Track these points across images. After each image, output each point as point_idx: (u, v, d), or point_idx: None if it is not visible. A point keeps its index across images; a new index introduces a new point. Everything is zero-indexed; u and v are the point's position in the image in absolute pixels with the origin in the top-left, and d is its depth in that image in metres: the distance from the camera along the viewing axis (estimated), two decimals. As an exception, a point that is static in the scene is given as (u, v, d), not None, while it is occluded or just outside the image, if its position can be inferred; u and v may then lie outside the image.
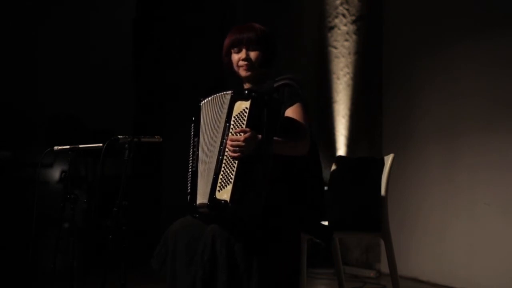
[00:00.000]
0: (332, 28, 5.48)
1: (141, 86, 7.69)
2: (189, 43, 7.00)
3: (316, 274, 4.72)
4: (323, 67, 5.49)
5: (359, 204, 3.04)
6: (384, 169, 2.95)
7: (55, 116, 7.60)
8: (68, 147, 2.85)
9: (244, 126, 2.36)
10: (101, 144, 2.71)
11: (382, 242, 3.22)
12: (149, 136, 2.72)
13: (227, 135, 2.40)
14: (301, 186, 2.58)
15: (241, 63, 2.66)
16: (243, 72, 2.67)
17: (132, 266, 2.75)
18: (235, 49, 2.67)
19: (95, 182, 6.91)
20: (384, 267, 4.74)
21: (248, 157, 2.35)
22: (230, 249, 2.36)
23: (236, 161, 2.35)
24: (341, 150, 5.27)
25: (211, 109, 2.53)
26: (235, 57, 2.68)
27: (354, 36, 5.30)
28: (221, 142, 2.41)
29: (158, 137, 2.73)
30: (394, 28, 5.01)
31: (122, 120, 7.53)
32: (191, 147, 2.59)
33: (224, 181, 2.36)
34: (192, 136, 2.60)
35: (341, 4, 5.42)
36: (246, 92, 2.41)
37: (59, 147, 2.87)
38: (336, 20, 5.45)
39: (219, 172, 2.38)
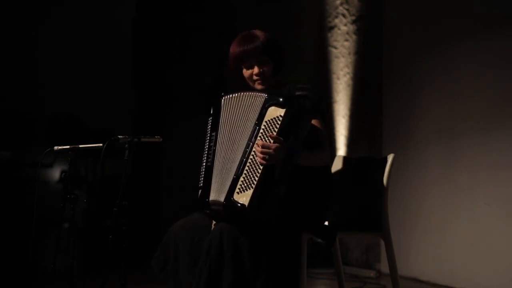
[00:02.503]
0: (332, 28, 5.48)
1: (141, 86, 7.69)
2: (189, 43, 7.00)
3: (316, 274, 4.72)
4: (323, 67, 5.49)
5: (359, 204, 3.04)
6: (384, 169, 2.95)
7: (55, 116, 7.60)
8: (68, 147, 2.85)
9: (275, 134, 2.35)
10: (101, 144, 2.71)
11: (382, 242, 3.22)
12: (149, 136, 2.72)
13: (256, 139, 2.38)
14: (307, 186, 2.57)
15: (255, 77, 2.63)
16: (258, 86, 2.64)
17: (132, 266, 2.75)
18: (245, 64, 2.63)
19: (95, 182, 6.91)
20: (384, 267, 4.74)
21: (273, 166, 2.34)
22: (237, 248, 2.35)
23: (261, 167, 2.34)
24: (341, 150, 5.27)
25: (236, 106, 2.51)
26: (247, 72, 2.64)
27: (354, 36, 5.30)
28: (247, 144, 2.40)
29: (158, 137, 2.73)
30: (394, 28, 5.01)
31: (122, 120, 7.53)
32: (207, 141, 2.57)
33: (245, 184, 2.35)
34: (208, 129, 2.58)
35: (341, 4, 5.41)
36: (281, 99, 2.39)
37: (59, 147, 2.86)
38: (336, 20, 5.45)
39: (241, 174, 2.37)
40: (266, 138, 2.36)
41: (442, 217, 4.44)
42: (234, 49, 2.63)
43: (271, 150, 2.32)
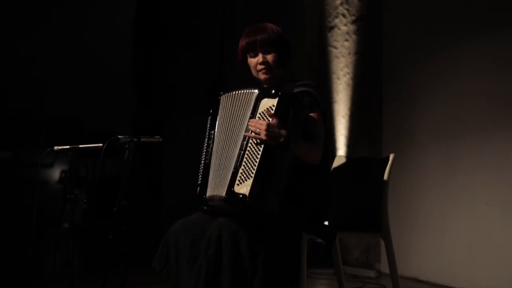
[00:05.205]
0: (332, 28, 5.48)
1: (141, 86, 7.69)
2: (189, 43, 7.00)
3: (316, 274, 4.72)
4: (323, 67, 5.49)
5: (359, 204, 3.04)
6: (385, 169, 2.95)
7: (55, 116, 7.60)
8: (68, 147, 2.85)
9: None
10: (101, 144, 2.71)
11: (382, 242, 3.22)
12: (149, 136, 2.72)
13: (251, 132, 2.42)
14: (307, 185, 2.58)
15: (259, 67, 2.65)
16: (262, 76, 2.67)
17: (132, 266, 2.75)
18: (251, 53, 2.65)
19: (95, 182, 6.91)
20: (384, 267, 4.74)
21: (270, 154, 2.36)
22: (236, 243, 2.36)
23: (258, 157, 2.36)
24: (341, 150, 5.27)
25: (233, 104, 2.54)
26: (252, 61, 2.67)
27: (354, 36, 5.30)
28: (244, 137, 2.43)
29: (158, 137, 2.73)
30: (394, 28, 5.01)
31: (122, 120, 7.52)
32: (206, 139, 2.61)
33: (244, 175, 2.37)
34: (208, 128, 2.62)
35: (341, 4, 5.42)
36: (274, 91, 2.43)
37: (59, 147, 2.87)
38: (336, 20, 5.45)
39: (240, 166, 2.39)
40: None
41: (442, 217, 4.45)
42: (243, 39, 2.67)
43: (263, 126, 2.34)
